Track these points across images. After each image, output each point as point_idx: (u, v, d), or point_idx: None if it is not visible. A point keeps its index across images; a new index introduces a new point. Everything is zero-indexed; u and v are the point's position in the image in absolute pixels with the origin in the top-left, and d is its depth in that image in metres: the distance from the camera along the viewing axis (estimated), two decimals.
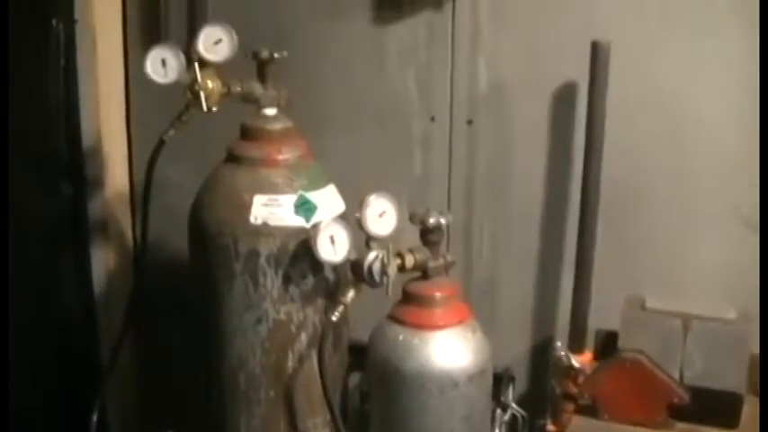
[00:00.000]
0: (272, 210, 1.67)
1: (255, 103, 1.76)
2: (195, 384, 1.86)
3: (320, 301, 1.72)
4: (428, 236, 1.60)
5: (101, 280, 2.31)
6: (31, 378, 2.10)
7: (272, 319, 1.70)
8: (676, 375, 1.71)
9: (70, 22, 2.11)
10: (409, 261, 1.59)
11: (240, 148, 1.74)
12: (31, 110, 2.07)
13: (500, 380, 1.92)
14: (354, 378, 1.94)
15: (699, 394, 1.68)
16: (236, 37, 1.72)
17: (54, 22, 2.07)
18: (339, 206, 1.75)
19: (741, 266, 1.83)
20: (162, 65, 1.73)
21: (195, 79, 1.73)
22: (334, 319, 1.61)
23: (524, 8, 1.93)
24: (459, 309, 1.63)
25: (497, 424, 1.87)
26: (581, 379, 1.81)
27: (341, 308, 1.61)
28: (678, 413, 1.70)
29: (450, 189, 2.05)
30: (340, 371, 1.83)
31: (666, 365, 1.70)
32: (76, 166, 2.20)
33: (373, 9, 2.03)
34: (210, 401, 1.82)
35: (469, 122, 2.01)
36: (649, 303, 1.82)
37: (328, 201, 1.73)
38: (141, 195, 1.92)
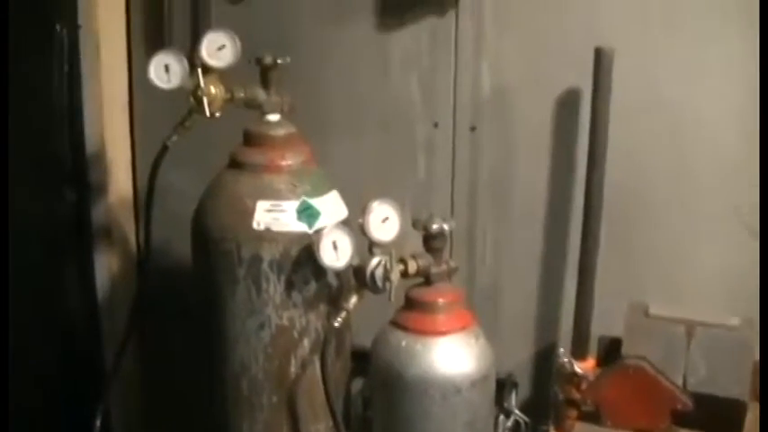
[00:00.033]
0: (274, 215, 1.67)
1: (258, 108, 1.76)
2: (198, 389, 1.86)
3: (323, 307, 1.72)
4: (431, 242, 1.60)
5: (104, 285, 2.31)
6: (34, 382, 2.10)
7: (275, 325, 1.70)
8: (680, 382, 1.70)
9: (74, 28, 2.11)
10: (412, 267, 1.59)
11: (243, 153, 1.74)
12: (34, 115, 2.07)
13: (503, 386, 1.92)
14: (357, 384, 1.95)
15: (702, 401, 1.68)
16: (239, 43, 1.72)
17: (58, 27, 2.07)
18: (342, 212, 1.75)
19: (745, 273, 1.83)
20: (165, 70, 1.73)
21: (198, 85, 1.73)
22: (336, 324, 1.61)
23: (527, 14, 1.93)
24: (462, 315, 1.63)
25: (500, 430, 1.87)
26: (584, 385, 1.80)
27: (343, 314, 1.61)
28: (681, 420, 1.70)
29: (453, 195, 2.05)
30: (342, 376, 1.82)
31: (670, 372, 1.70)
32: (80, 172, 2.20)
33: (376, 15, 2.03)
34: (213, 407, 1.82)
35: (473, 129, 2.01)
36: (653, 310, 1.82)
37: (331, 206, 1.73)
38: (144, 201, 1.92)
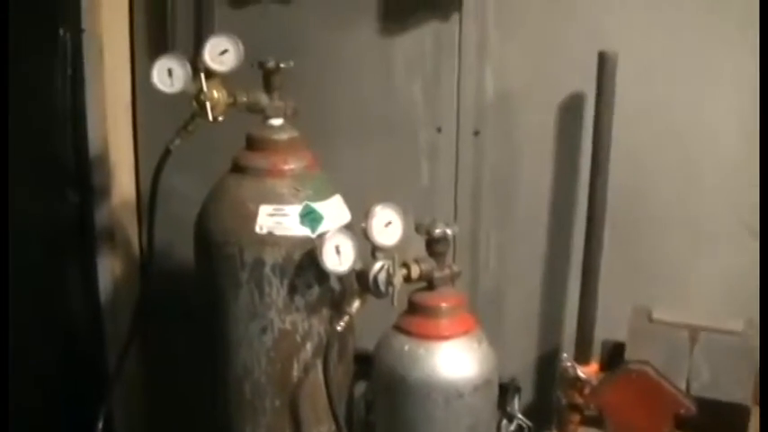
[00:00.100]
0: (277, 220, 1.67)
1: (261, 113, 1.76)
2: (201, 392, 1.87)
3: (325, 311, 1.72)
4: (434, 246, 1.60)
5: (107, 287, 2.31)
6: (36, 384, 2.10)
7: (278, 329, 1.70)
8: (683, 387, 1.70)
9: (77, 32, 2.11)
10: (415, 271, 1.59)
11: (246, 158, 1.74)
12: (37, 117, 2.07)
13: (506, 390, 1.92)
14: (360, 387, 1.95)
15: (705, 406, 1.68)
16: (242, 47, 1.72)
17: (61, 31, 2.07)
18: (345, 216, 1.75)
19: (749, 278, 1.82)
20: (168, 74, 1.73)
21: (201, 89, 1.73)
22: (339, 329, 1.61)
23: (531, 18, 1.93)
24: (465, 319, 1.62)
25: None
26: (587, 390, 1.80)
27: (346, 318, 1.61)
28: (685, 425, 1.69)
29: (456, 199, 2.05)
30: (345, 380, 1.82)
31: (673, 377, 1.70)
32: (83, 174, 2.20)
33: (380, 19, 2.03)
34: (216, 410, 1.82)
35: (476, 133, 2.01)
36: (656, 314, 1.82)
37: (334, 211, 1.73)
38: (147, 204, 1.92)
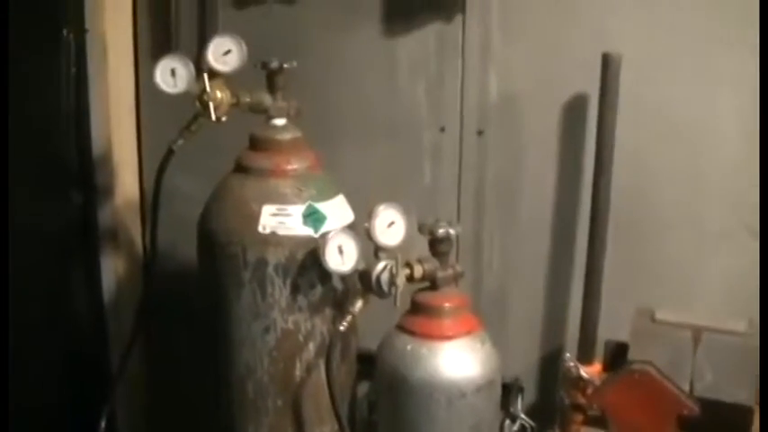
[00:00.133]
0: (280, 219, 1.67)
1: (264, 113, 1.76)
2: (204, 391, 1.87)
3: (328, 311, 1.72)
4: (437, 246, 1.60)
5: (110, 287, 2.31)
6: (40, 383, 2.10)
7: (280, 329, 1.70)
8: (686, 387, 1.70)
9: (81, 32, 2.11)
10: (418, 271, 1.59)
11: (249, 158, 1.75)
12: (41, 118, 2.07)
13: (509, 390, 1.92)
14: (363, 387, 1.94)
15: (709, 406, 1.67)
16: (245, 47, 1.72)
17: (65, 31, 2.07)
18: (348, 216, 1.75)
19: (752, 278, 1.82)
20: (171, 75, 1.73)
21: (204, 89, 1.73)
22: (342, 329, 1.61)
23: (535, 19, 1.93)
24: (468, 319, 1.62)
25: None
26: (590, 390, 1.80)
27: (349, 318, 1.61)
28: (688, 425, 1.69)
29: (459, 199, 2.05)
30: (348, 380, 1.82)
31: (676, 377, 1.69)
32: (86, 175, 2.20)
33: (383, 21, 2.03)
34: (219, 410, 1.82)
35: (480, 133, 2.01)
36: (659, 315, 1.82)
37: (337, 211, 1.73)
38: (150, 204, 1.92)
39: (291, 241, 1.67)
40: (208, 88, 1.74)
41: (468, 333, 1.60)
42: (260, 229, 1.67)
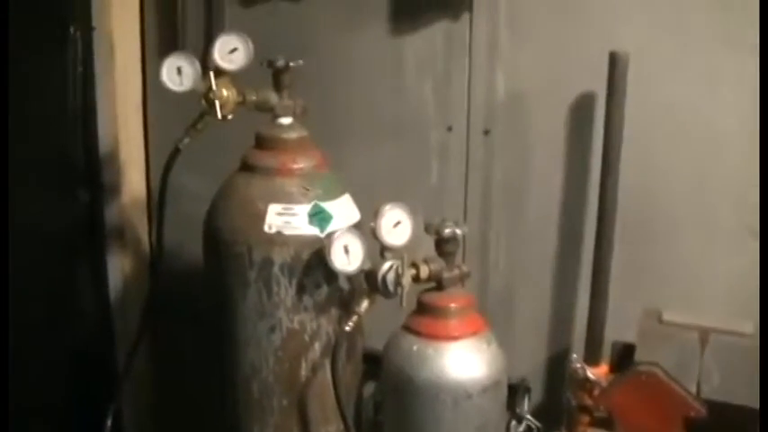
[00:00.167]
0: (286, 219, 1.67)
1: (271, 111, 1.76)
2: (209, 390, 1.87)
3: (334, 311, 1.72)
4: (443, 246, 1.60)
5: (117, 285, 2.31)
6: (46, 382, 2.10)
7: (286, 328, 1.70)
8: (693, 389, 1.69)
9: (88, 30, 2.12)
10: (424, 271, 1.58)
11: (255, 156, 1.74)
12: (48, 116, 2.08)
13: (516, 391, 1.91)
14: (369, 387, 1.94)
15: (716, 408, 1.67)
16: (251, 46, 1.72)
17: (72, 29, 2.07)
18: (354, 216, 1.75)
19: (759, 280, 1.81)
20: (177, 73, 1.73)
21: (210, 88, 1.73)
22: (347, 329, 1.61)
23: (542, 18, 1.92)
24: (474, 320, 1.62)
25: None
26: (597, 391, 1.79)
27: (355, 318, 1.61)
28: (695, 427, 1.68)
29: (466, 199, 2.04)
30: (354, 380, 1.82)
31: (683, 379, 1.69)
32: (93, 173, 2.21)
33: (390, 19, 2.02)
34: (224, 409, 1.82)
35: (486, 132, 2.01)
36: (666, 316, 1.81)
37: (343, 210, 1.73)
38: (156, 202, 1.92)
39: (297, 241, 1.67)
40: (214, 86, 1.74)
41: (474, 333, 1.60)
42: (266, 228, 1.67)
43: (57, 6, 2.05)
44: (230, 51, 1.73)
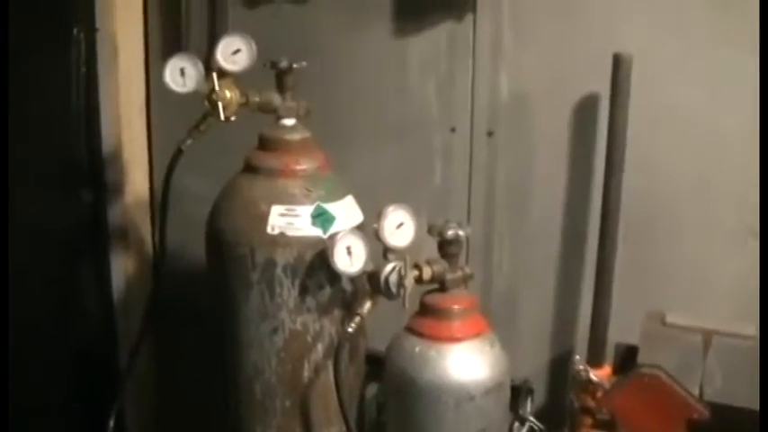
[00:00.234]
0: (289, 220, 1.67)
1: (274, 113, 1.76)
2: (212, 391, 1.87)
3: (337, 312, 1.72)
4: (446, 248, 1.59)
5: (120, 285, 2.32)
6: (49, 381, 2.11)
7: (289, 330, 1.70)
8: (696, 391, 1.69)
9: (91, 31, 2.12)
10: (427, 273, 1.58)
11: (258, 158, 1.74)
12: (51, 117, 2.08)
13: (518, 392, 1.91)
14: (372, 388, 1.94)
15: (719, 411, 1.66)
16: (254, 47, 1.72)
17: (75, 30, 2.07)
18: (357, 217, 1.74)
19: (759, 281, 1.81)
20: (181, 74, 1.74)
21: (213, 89, 1.73)
22: (350, 330, 1.60)
23: (546, 19, 1.92)
24: (477, 321, 1.62)
25: None
26: (599, 393, 1.79)
27: (357, 319, 1.60)
28: (698, 430, 1.68)
29: (470, 200, 2.04)
30: (356, 381, 1.82)
31: (686, 381, 1.68)
32: (97, 174, 2.21)
33: (394, 20, 2.02)
34: (227, 410, 1.82)
35: (490, 134, 2.00)
36: (670, 318, 1.81)
37: (346, 211, 1.72)
38: (159, 203, 1.92)
39: (300, 242, 1.67)
40: (217, 88, 1.74)
41: (477, 335, 1.59)
42: (269, 229, 1.67)
43: (60, 7, 2.05)
44: (233, 52, 1.73)
